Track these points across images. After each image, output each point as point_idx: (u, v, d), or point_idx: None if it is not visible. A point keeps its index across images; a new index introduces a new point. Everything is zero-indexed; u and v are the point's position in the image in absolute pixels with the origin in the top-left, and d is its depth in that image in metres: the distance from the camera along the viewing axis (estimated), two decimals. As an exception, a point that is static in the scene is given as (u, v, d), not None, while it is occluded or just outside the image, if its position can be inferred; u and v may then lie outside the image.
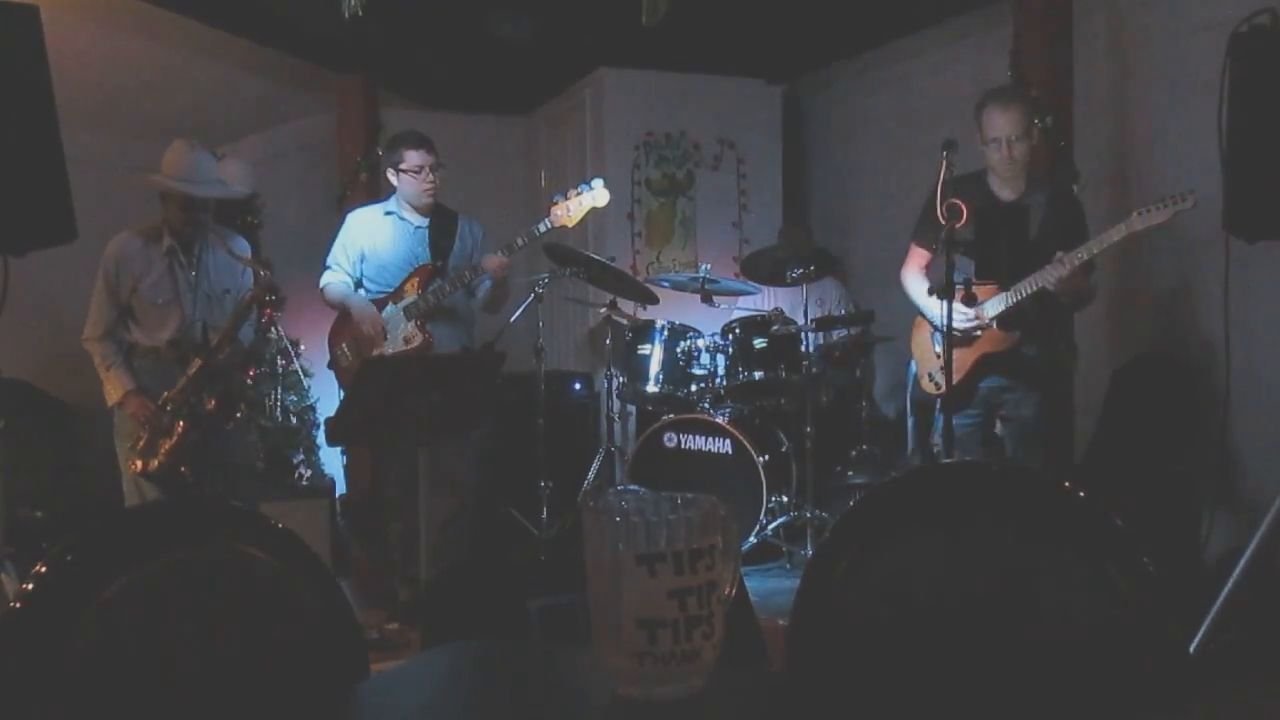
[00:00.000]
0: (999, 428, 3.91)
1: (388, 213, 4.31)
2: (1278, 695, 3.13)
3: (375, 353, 4.16)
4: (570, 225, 4.29)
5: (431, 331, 4.19)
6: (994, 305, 3.67)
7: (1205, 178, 3.54)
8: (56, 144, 2.67)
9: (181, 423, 3.73)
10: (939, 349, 3.78)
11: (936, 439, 3.92)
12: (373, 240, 4.27)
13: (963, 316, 3.70)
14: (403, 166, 4.20)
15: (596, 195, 4.23)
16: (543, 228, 4.20)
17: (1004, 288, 3.66)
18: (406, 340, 4.18)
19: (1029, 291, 3.57)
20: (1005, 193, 3.76)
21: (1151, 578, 1.23)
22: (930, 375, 3.84)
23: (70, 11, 4.59)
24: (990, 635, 1.30)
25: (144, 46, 5.29)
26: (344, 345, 4.30)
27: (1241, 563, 3.01)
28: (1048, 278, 3.51)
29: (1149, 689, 1.20)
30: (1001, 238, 3.50)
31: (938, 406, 3.77)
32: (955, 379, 3.71)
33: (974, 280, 3.56)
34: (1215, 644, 2.95)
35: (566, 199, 4.22)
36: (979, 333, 3.72)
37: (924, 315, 3.87)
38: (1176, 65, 4.51)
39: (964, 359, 3.75)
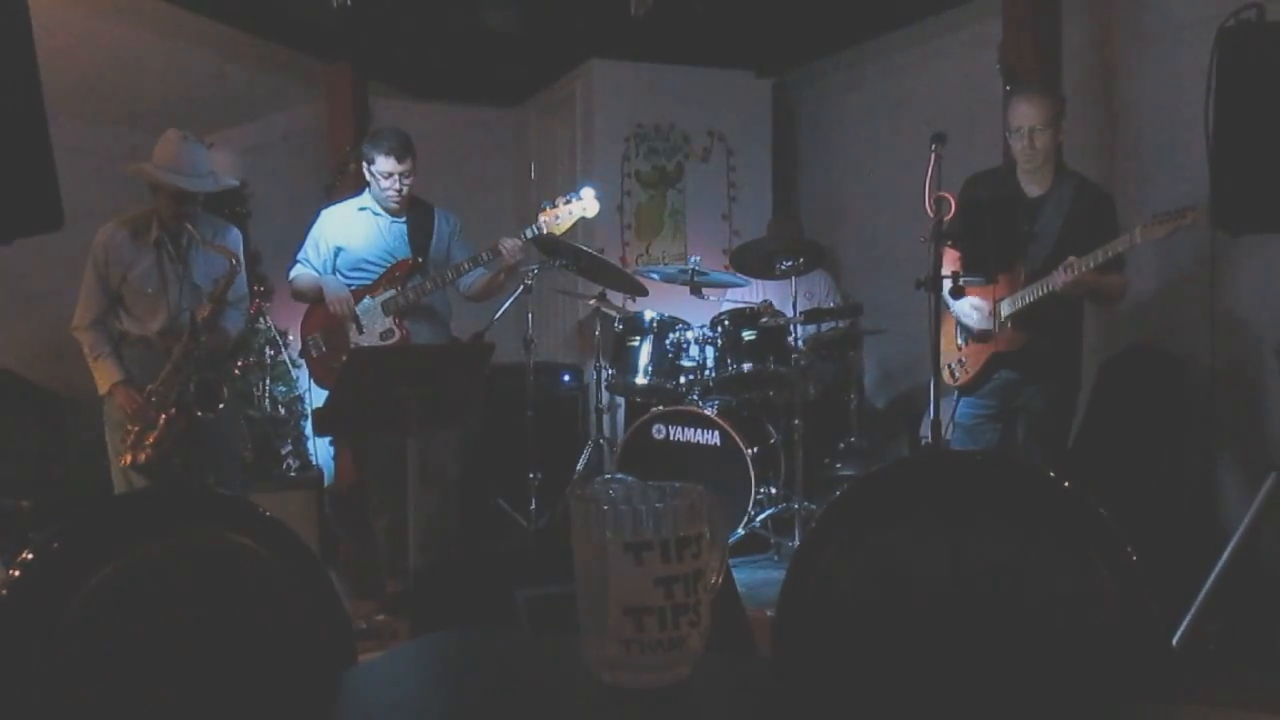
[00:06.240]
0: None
1: (362, 208, 4.29)
2: (1261, 687, 3.15)
3: (350, 340, 4.15)
4: (559, 233, 4.28)
5: (409, 328, 4.18)
6: (1007, 306, 3.70)
7: (1192, 172, 3.56)
8: (43, 131, 2.66)
9: (164, 415, 3.71)
10: (960, 342, 3.85)
11: (926, 429, 3.93)
12: (347, 235, 4.25)
13: (976, 314, 3.73)
14: (374, 169, 4.18)
15: (586, 205, 4.22)
16: (530, 233, 4.20)
17: (990, 281, 3.67)
18: (383, 336, 4.16)
19: (1039, 295, 3.59)
20: (1032, 187, 3.76)
21: (1136, 569, 1.24)
22: (950, 367, 3.88)
23: (57, -2, 4.56)
24: (975, 625, 1.31)
25: (132, 34, 5.26)
26: (316, 335, 4.28)
27: (1225, 555, 3.03)
28: (1055, 281, 3.52)
29: (1134, 680, 1.22)
30: (987, 231, 3.51)
31: (930, 397, 3.79)
32: (969, 374, 3.82)
33: (961, 273, 3.57)
34: (1199, 636, 2.98)
35: (555, 206, 4.21)
36: (990, 322, 3.74)
37: (951, 311, 3.88)
38: (1164, 60, 4.52)
39: (978, 355, 3.81)
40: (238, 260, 3.81)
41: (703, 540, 1.14)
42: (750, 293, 5.52)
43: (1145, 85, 4.69)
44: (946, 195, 3.43)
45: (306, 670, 1.36)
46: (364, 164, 4.24)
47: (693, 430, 4.84)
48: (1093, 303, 3.85)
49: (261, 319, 5.48)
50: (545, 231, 4.21)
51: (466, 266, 4.20)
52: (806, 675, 1.31)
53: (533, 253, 4.67)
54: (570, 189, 4.41)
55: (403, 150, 4.14)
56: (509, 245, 4.14)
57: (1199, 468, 4.30)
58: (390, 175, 4.15)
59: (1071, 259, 3.49)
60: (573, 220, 4.23)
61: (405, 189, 4.19)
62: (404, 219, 4.27)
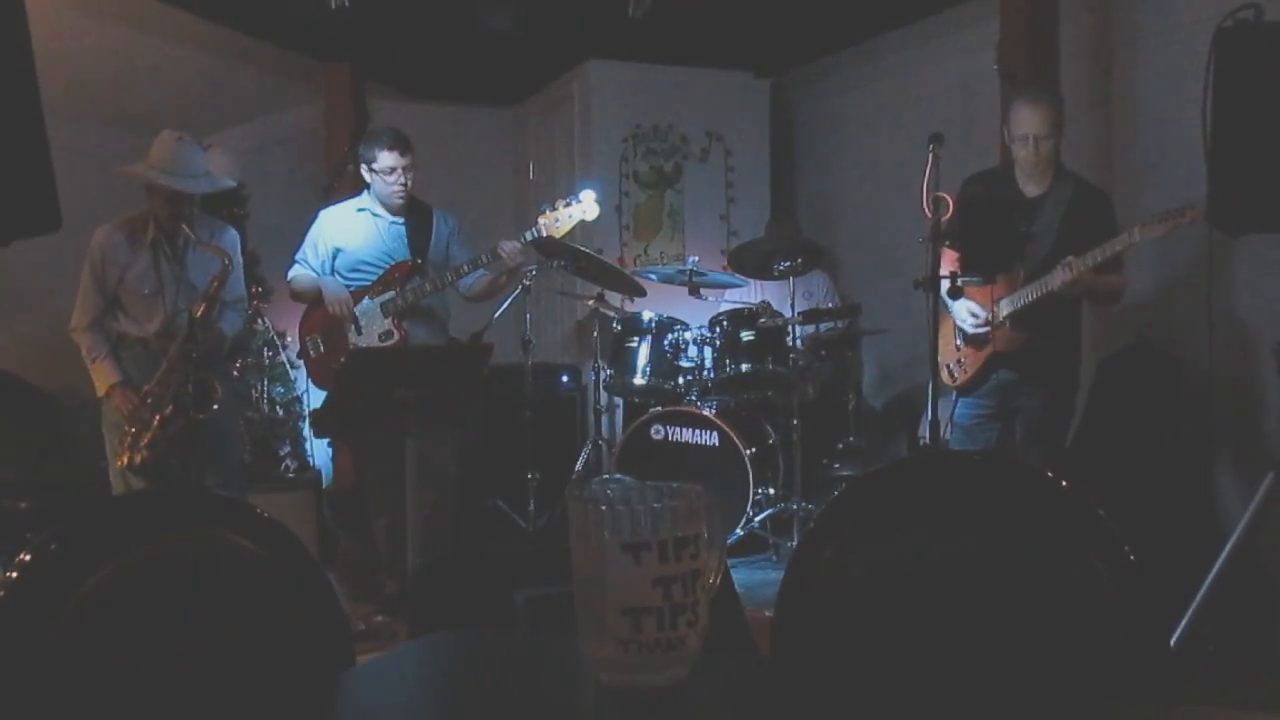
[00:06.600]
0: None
1: (360, 209, 4.28)
2: (1260, 687, 3.15)
3: (349, 341, 4.15)
4: (558, 236, 4.28)
5: (408, 329, 4.18)
6: (1006, 306, 3.71)
7: (1190, 172, 3.56)
8: (41, 132, 2.65)
9: (158, 415, 3.70)
10: (959, 342, 3.87)
11: (924, 429, 3.94)
12: (345, 237, 4.24)
13: (973, 320, 3.74)
14: (375, 166, 4.16)
15: (586, 208, 4.23)
16: (529, 235, 4.20)
17: (989, 281, 3.68)
18: (382, 337, 4.16)
19: (1038, 294, 3.60)
20: (1031, 188, 3.77)
21: (1134, 569, 1.24)
22: (949, 367, 3.88)
23: (54, -1, 4.56)
24: (973, 624, 1.31)
25: (130, 35, 5.26)
26: (314, 336, 4.28)
27: (1223, 555, 3.03)
28: (1054, 281, 3.53)
29: (1132, 680, 1.21)
30: (986, 231, 3.51)
31: (928, 398, 3.80)
32: (967, 374, 3.84)
33: (959, 274, 3.58)
34: (1197, 636, 2.97)
35: (555, 210, 4.21)
36: (986, 329, 3.75)
37: (949, 311, 3.90)
38: (1162, 60, 4.53)
39: (977, 355, 3.82)
40: (229, 258, 3.81)
41: (701, 540, 1.14)
42: (748, 293, 5.52)
43: (1144, 85, 4.69)
44: (944, 195, 3.44)
45: (305, 671, 1.36)
46: (363, 165, 4.22)
47: (691, 431, 4.84)
48: (1091, 302, 3.86)
49: (260, 320, 5.48)
50: (545, 234, 4.21)
51: (466, 269, 4.20)
52: (804, 672, 1.31)
53: (531, 253, 4.68)
54: (569, 189, 4.41)
55: (403, 145, 4.15)
56: (508, 248, 4.14)
57: (1197, 468, 4.31)
58: (393, 170, 4.14)
59: (1070, 258, 3.50)
60: (572, 223, 4.23)
61: (410, 183, 4.19)
62: (402, 220, 4.27)
